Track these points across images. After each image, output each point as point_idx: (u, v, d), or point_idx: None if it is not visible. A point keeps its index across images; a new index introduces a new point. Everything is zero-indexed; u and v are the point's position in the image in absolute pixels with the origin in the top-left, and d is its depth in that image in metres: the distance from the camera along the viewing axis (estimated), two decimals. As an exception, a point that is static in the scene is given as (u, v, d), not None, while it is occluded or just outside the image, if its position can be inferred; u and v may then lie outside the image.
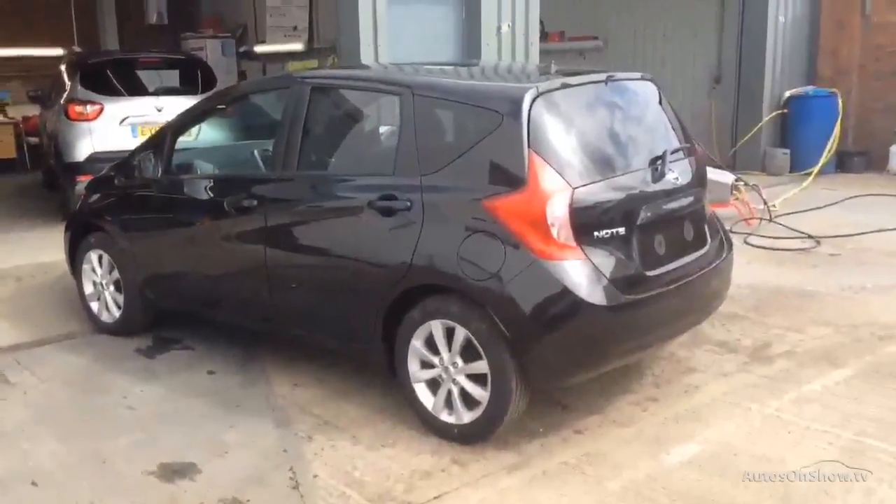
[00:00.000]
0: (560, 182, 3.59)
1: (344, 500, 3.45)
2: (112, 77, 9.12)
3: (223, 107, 5.27)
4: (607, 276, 3.65)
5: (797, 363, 4.79)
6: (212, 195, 4.79)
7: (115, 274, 5.41)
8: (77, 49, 14.12)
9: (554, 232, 3.57)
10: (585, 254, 3.63)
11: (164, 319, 5.48)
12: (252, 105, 5.32)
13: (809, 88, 11.65)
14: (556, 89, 3.87)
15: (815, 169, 10.81)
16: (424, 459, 3.78)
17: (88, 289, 5.64)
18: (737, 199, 8.39)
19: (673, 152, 4.05)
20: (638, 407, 4.27)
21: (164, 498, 3.51)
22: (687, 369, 4.75)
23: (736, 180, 8.42)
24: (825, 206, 9.12)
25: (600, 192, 3.72)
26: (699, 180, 4.36)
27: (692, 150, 4.47)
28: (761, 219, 8.25)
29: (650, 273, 3.83)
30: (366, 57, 8.13)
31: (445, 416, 3.91)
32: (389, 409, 4.23)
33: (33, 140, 12.77)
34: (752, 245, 7.55)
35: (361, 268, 4.07)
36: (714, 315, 5.47)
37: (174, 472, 3.73)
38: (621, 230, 3.73)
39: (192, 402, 4.50)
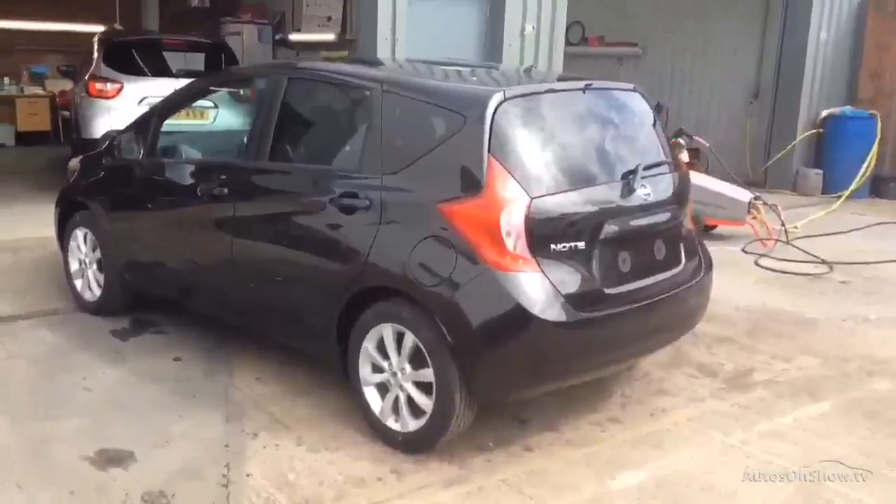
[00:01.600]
0: (518, 191, 3.46)
1: (269, 502, 3.38)
2: (136, 57, 9.19)
3: (209, 92, 5.23)
4: (561, 291, 3.50)
5: (775, 393, 4.59)
6: (188, 181, 4.75)
7: (98, 253, 5.41)
8: (118, 27, 14.32)
9: (508, 242, 3.44)
10: (540, 267, 3.49)
11: (146, 302, 5.45)
12: (237, 93, 5.27)
13: (847, 108, 11.28)
14: (526, 95, 3.73)
15: (847, 192, 10.47)
16: (364, 466, 3.68)
17: (74, 266, 5.65)
18: (755, 218, 8.15)
19: (647, 167, 3.89)
20: (597, 427, 4.12)
21: (92, 486, 3.46)
22: (658, 391, 4.58)
23: (754, 199, 8.16)
24: (850, 231, 8.82)
25: (561, 203, 3.58)
26: (678, 198, 4.19)
27: (676, 167, 4.30)
28: (777, 240, 7.98)
29: (610, 291, 3.68)
30: (382, 53, 8.07)
31: (392, 423, 3.81)
32: (343, 412, 4.14)
33: (67, 114, 12.96)
34: (762, 267, 7.31)
35: (320, 265, 3.99)
36: (701, 337, 5.37)
37: (110, 459, 3.68)
38: (581, 245, 3.59)
39: (150, 388, 4.46)
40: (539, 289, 3.47)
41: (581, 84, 3.98)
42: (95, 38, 10.04)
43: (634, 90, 4.35)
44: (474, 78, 4.26)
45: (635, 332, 3.89)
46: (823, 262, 7.38)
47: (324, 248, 3.97)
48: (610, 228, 3.68)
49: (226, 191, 4.41)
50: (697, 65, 12.83)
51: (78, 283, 5.63)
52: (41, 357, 4.87)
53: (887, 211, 10.03)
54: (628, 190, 3.77)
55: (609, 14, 14.19)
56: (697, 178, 8.33)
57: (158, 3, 14.87)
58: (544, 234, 3.51)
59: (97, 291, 5.49)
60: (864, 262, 7.41)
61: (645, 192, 3.84)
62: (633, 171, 3.81)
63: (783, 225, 8.12)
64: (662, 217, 4.01)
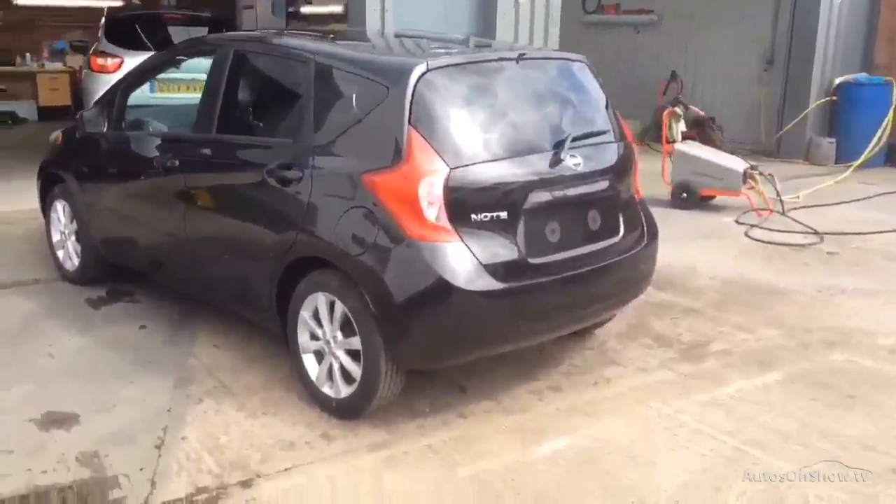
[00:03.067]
0: (437, 161, 3.49)
1: (196, 464, 3.48)
2: (138, 32, 9.32)
3: (168, 65, 5.32)
4: (482, 261, 3.53)
5: (726, 364, 4.58)
6: (147, 154, 4.85)
7: (75, 224, 5.56)
8: (137, 2, 14.52)
9: (426, 212, 3.48)
10: (460, 236, 3.52)
11: (124, 272, 5.57)
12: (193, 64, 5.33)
13: (862, 75, 11.01)
14: (452, 66, 3.75)
15: (857, 162, 10.25)
16: (296, 431, 3.78)
17: (56, 237, 5.81)
18: (751, 188, 8.04)
19: (578, 138, 3.88)
20: (536, 395, 4.16)
21: (31, 444, 3.60)
22: (609, 361, 4.59)
23: (750, 168, 8.05)
24: (853, 202, 8.65)
25: (482, 174, 3.59)
26: (617, 168, 4.17)
27: (619, 137, 4.28)
28: (772, 210, 7.87)
29: (535, 260, 3.69)
30: (371, 24, 8.07)
31: (326, 389, 3.90)
32: (288, 379, 4.22)
33: (83, 89, 13.22)
34: (752, 238, 7.22)
35: (260, 236, 4.07)
36: (667, 308, 5.36)
37: (54, 421, 3.82)
38: (503, 215, 3.60)
39: (109, 355, 4.60)
40: (458, 259, 3.50)
41: (514, 54, 3.97)
42: (104, 15, 10.23)
43: (581, 62, 4.33)
44: (406, 49, 4.28)
45: (566, 301, 3.91)
46: (815, 232, 7.28)
47: (262, 218, 4.05)
48: (535, 199, 3.69)
49: (177, 163, 4.51)
50: (713, 31, 12.57)
51: (60, 254, 5.80)
52: (13, 325, 5.02)
53: (898, 180, 9.82)
54: (556, 160, 3.77)
55: (627, -19, 14.01)
56: (691, 147, 8.28)
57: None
58: (464, 205, 3.53)
59: (76, 261, 5.65)
60: (856, 232, 7.29)
61: (575, 161, 3.83)
62: (562, 142, 3.80)
63: (778, 195, 7.99)
64: (597, 187, 4.00)
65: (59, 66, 14.04)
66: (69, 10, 14.06)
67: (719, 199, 8.38)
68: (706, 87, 12.73)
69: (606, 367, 4.52)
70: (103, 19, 9.60)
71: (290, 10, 13.67)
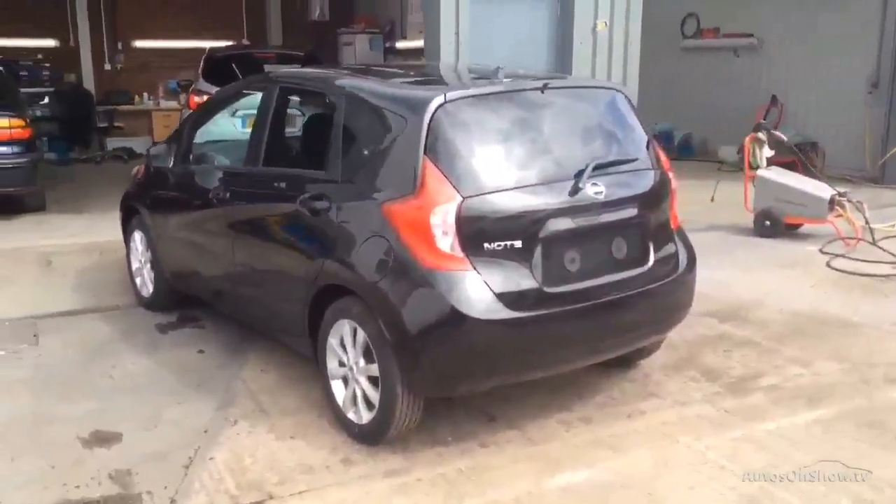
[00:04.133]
0: (450, 191, 3.55)
1: (217, 484, 3.62)
2: (234, 70, 9.81)
3: (229, 101, 5.58)
4: (494, 289, 3.55)
5: (773, 399, 4.40)
6: (205, 186, 5.11)
7: (149, 253, 5.90)
8: (246, 42, 15.27)
9: (439, 241, 3.53)
10: (474, 265, 3.56)
11: (196, 299, 5.85)
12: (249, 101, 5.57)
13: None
14: (472, 96, 3.81)
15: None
16: (319, 455, 3.87)
17: (135, 265, 6.17)
18: (839, 216, 7.69)
19: (601, 166, 3.85)
20: (563, 426, 4.12)
21: (71, 461, 3.83)
22: (648, 393, 4.49)
23: (838, 195, 7.69)
24: (955, 232, 8.12)
25: (497, 203, 3.62)
26: (648, 196, 4.11)
27: (655, 165, 4.22)
28: (861, 239, 7.49)
29: (553, 290, 3.68)
30: (446, 57, 8.22)
31: (351, 415, 3.98)
32: (322, 403, 4.32)
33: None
34: (833, 268, 6.90)
35: (293, 264, 4.23)
36: (724, 340, 5.19)
37: (100, 439, 4.06)
38: (517, 244, 3.61)
39: (165, 377, 4.85)
40: (470, 288, 3.53)
41: (539, 84, 3.99)
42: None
43: (616, 90, 4.31)
44: (433, 82, 4.36)
45: (588, 331, 3.87)
46: (903, 263, 6.89)
47: (296, 247, 4.21)
48: (552, 227, 3.68)
49: (227, 195, 4.73)
50: (815, 54, 12.12)
51: (137, 281, 6.15)
52: (88, 347, 5.36)
53: None
54: (575, 189, 3.75)
55: (725, 4, 13.69)
56: (774, 174, 8.01)
57: (281, 17, 15.69)
58: (478, 234, 3.57)
59: (151, 289, 5.99)
60: (951, 263, 6.85)
61: (597, 190, 3.80)
62: (583, 171, 3.78)
63: (867, 223, 7.59)
64: (622, 215, 3.95)
65: (173, 104, 14.89)
66: (180, 51, 14.89)
67: (806, 227, 8.04)
68: (808, 112, 12.26)
69: (644, 399, 4.42)
70: (203, 60, 10.15)
71: (387, 45, 14.05)
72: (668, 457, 3.81)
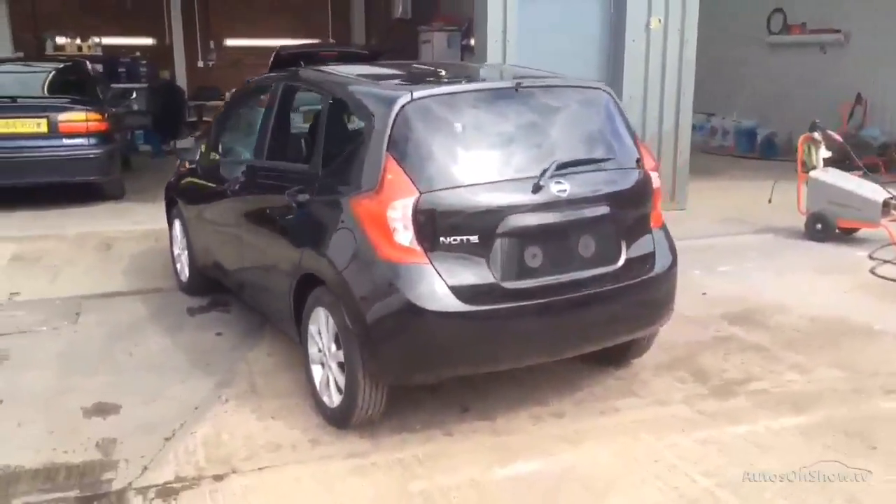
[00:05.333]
0: (408, 186, 3.67)
1: (189, 457, 3.86)
2: (301, 67, 10.14)
3: (250, 97, 5.85)
4: (449, 283, 3.66)
5: (756, 403, 4.33)
6: (222, 178, 5.40)
7: (185, 240, 6.26)
8: (332, 41, 15.73)
9: (396, 235, 3.67)
10: (430, 259, 3.67)
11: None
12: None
13: None
14: (439, 95, 3.92)
15: None
16: (291, 434, 4.06)
17: (176, 250, 6.56)
18: (894, 220, 7.38)
19: (566, 164, 3.88)
20: (533, 420, 4.17)
21: (68, 429, 4.14)
22: (629, 392, 4.50)
23: (892, 199, 7.38)
24: None
25: (455, 199, 3.71)
26: (623, 194, 4.12)
27: (635, 164, 4.23)
28: (915, 245, 7.17)
29: (511, 285, 3.76)
30: (493, 56, 8.30)
31: (325, 398, 4.16)
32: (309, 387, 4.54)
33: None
34: (876, 275, 6.64)
35: (283, 253, 4.44)
36: (730, 342, 5.12)
37: (100, 410, 4.37)
38: (474, 239, 3.69)
39: (179, 356, 5.16)
40: (424, 280, 3.65)
41: (512, 83, 4.06)
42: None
43: (599, 89, 4.33)
44: (412, 79, 4.48)
45: (550, 327, 3.91)
46: (955, 271, 6.56)
47: (285, 237, 4.42)
48: (511, 224, 3.75)
49: (237, 187, 5.00)
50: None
51: (177, 267, 6.53)
52: (120, 325, 5.74)
53: None
54: (537, 187, 3.81)
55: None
56: (828, 175, 7.77)
57: (365, 16, 16.07)
58: (435, 228, 3.67)
59: (187, 273, 6.35)
60: None
61: (560, 188, 3.84)
62: (547, 169, 3.84)
63: (922, 228, 7.26)
64: (590, 213, 3.96)
65: (260, 99, 15.49)
66: (269, 48, 15.42)
67: (864, 232, 7.75)
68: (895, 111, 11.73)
69: (623, 397, 4.43)
70: (272, 57, 10.53)
71: (464, 42, 14.17)
72: (625, 453, 3.83)
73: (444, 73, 4.76)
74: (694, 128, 15.55)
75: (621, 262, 4.05)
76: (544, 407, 4.31)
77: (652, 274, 4.16)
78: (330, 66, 5.11)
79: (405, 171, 3.70)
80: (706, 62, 15.45)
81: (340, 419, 4.05)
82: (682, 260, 6.77)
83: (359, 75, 4.45)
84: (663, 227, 4.38)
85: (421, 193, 3.67)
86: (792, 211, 8.31)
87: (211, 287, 6.21)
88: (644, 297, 4.17)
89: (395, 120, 3.76)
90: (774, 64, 13.96)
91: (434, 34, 14.25)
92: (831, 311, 5.77)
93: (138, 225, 8.58)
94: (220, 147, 5.68)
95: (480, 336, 3.77)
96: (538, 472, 3.68)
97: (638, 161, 4.25)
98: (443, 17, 15.00)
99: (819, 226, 7.73)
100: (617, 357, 4.69)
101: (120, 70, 14.69)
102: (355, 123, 4.02)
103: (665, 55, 8.65)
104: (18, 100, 9.22)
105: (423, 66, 4.91)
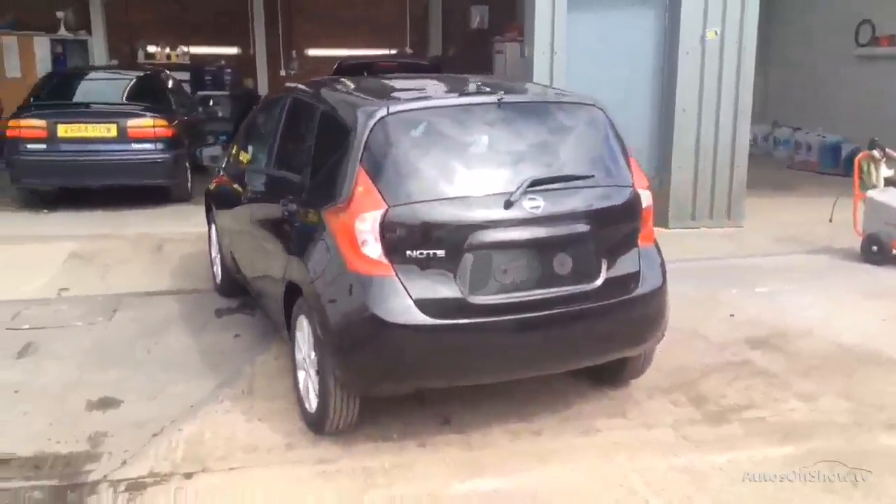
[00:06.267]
0: (377, 200, 3.71)
1: (169, 453, 4.00)
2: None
3: (270, 107, 6.00)
4: (414, 296, 3.68)
5: (748, 432, 4.18)
6: (241, 185, 5.57)
7: (218, 243, 6.49)
8: (409, 51, 15.96)
9: (364, 247, 3.72)
10: (396, 271, 3.70)
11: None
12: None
13: None
14: (416, 110, 3.95)
15: None
16: (271, 437, 4.16)
17: (213, 253, 6.79)
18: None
19: (537, 182, 3.83)
20: (510, 436, 4.15)
21: (68, 421, 4.36)
22: (618, 412, 4.41)
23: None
24: None
25: (423, 213, 3.72)
26: (606, 212, 4.04)
27: (623, 182, 4.15)
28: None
29: (478, 300, 3.75)
30: (539, 68, 8.26)
31: (306, 403, 4.24)
32: (304, 392, 4.64)
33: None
34: (920, 299, 6.29)
35: (276, 261, 4.55)
36: (741, 367, 4.96)
37: (103, 404, 4.58)
38: (440, 253, 3.70)
39: (194, 356, 5.34)
40: (389, 292, 3.69)
41: (494, 98, 4.06)
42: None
43: (589, 104, 4.27)
44: (393, 94, 4.52)
45: (522, 343, 3.88)
46: None
47: (278, 245, 4.54)
48: (480, 238, 3.73)
49: (249, 194, 5.17)
50: None
51: (215, 269, 6.77)
52: (150, 323, 5.97)
53: None
54: (509, 203, 3.78)
55: (905, 10, 12.60)
56: (885, 195, 7.41)
57: (442, 27, 16.23)
58: (402, 241, 3.70)
59: (220, 276, 6.58)
60: None
61: (534, 205, 3.81)
62: (521, 185, 3.81)
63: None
64: (565, 231, 3.91)
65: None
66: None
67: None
68: None
69: (610, 417, 4.35)
70: (334, 68, 10.81)
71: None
72: (592, 476, 3.77)
73: (439, 88, 4.78)
74: (777, 142, 15.14)
75: (600, 280, 3.98)
76: (525, 423, 4.28)
77: (635, 294, 4.07)
78: (327, 77, 5.18)
79: (375, 185, 3.75)
80: (792, 75, 15.03)
81: (316, 425, 4.13)
82: (720, 279, 6.64)
83: (352, 90, 4.53)
84: (654, 246, 4.29)
85: (389, 207, 3.71)
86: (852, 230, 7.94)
87: (242, 289, 6.42)
88: (627, 317, 4.09)
89: (369, 134, 3.82)
90: (862, 77, 13.35)
91: (507, 44, 14.32)
92: (858, 339, 5.49)
93: (196, 227, 8.84)
94: (240, 155, 5.87)
95: (446, 350, 3.78)
96: (496, 490, 3.66)
97: (627, 179, 4.17)
98: (516, 28, 15.01)
99: (875, 248, 7.37)
100: (612, 377, 4.61)
101: (206, 78, 15.28)
102: (335, 136, 4.09)
103: (721, 68, 8.40)
104: (92, 106, 9.73)
105: (427, 81, 4.94)
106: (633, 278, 4.10)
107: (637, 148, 8.51)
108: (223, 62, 15.73)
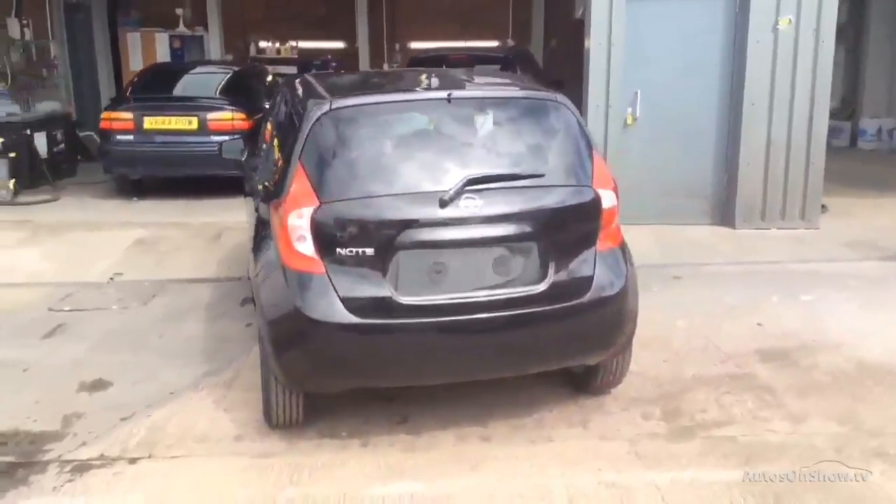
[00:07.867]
0: (310, 195, 3.71)
1: (127, 437, 4.13)
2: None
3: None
4: (341, 293, 3.66)
5: (707, 450, 3.92)
6: (250, 176, 5.70)
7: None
8: (511, 42, 15.83)
9: (295, 243, 3.72)
10: (325, 268, 3.69)
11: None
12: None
13: None
14: (360, 105, 3.91)
15: None
16: (226, 428, 4.23)
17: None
18: None
19: (474, 180, 3.70)
20: (459, 440, 4.06)
21: (55, 399, 4.59)
22: (579, 422, 4.23)
23: None
24: None
25: (354, 210, 3.68)
26: (552, 213, 3.86)
27: (579, 181, 3.96)
28: None
29: (408, 300, 3.68)
30: (596, 61, 7.99)
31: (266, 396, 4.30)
32: (280, 383, 4.71)
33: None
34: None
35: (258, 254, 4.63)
36: (740, 381, 4.68)
37: (94, 386, 4.81)
38: (370, 251, 3.65)
39: (198, 344, 5.51)
40: (316, 289, 3.67)
41: (444, 94, 3.96)
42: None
43: (553, 101, 4.09)
44: (351, 88, 4.47)
45: (457, 346, 3.78)
46: None
47: (249, 239, 4.62)
48: (411, 237, 3.66)
49: (249, 186, 5.29)
50: None
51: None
52: (177, 309, 6.22)
53: None
54: (443, 201, 3.68)
55: None
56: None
57: (544, 17, 15.97)
58: (333, 238, 3.68)
59: (253, 265, 6.77)
60: None
61: (473, 203, 3.69)
62: (458, 183, 3.70)
63: None
64: (507, 231, 3.76)
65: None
66: (450, 50, 15.77)
67: None
68: None
69: (569, 427, 4.18)
70: (407, 62, 10.87)
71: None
72: (515, 486, 3.64)
73: (406, 83, 4.71)
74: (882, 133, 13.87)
75: (546, 284, 3.81)
76: (479, 428, 4.17)
77: (586, 299, 3.87)
78: (309, 75, 5.19)
79: (310, 181, 3.75)
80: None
81: (266, 419, 4.17)
82: (768, 285, 6.27)
83: (313, 85, 4.53)
84: (616, 250, 4.05)
85: (322, 203, 3.70)
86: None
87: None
88: (578, 323, 3.89)
89: (311, 129, 3.83)
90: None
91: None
92: (885, 357, 5.00)
93: (256, 218, 9.20)
94: (254, 148, 6.00)
95: (374, 349, 3.73)
96: (412, 495, 3.59)
97: (585, 178, 3.96)
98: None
99: (947, 257, 6.70)
100: (585, 384, 4.43)
101: (311, 71, 15.73)
102: (292, 131, 4.11)
103: (796, 58, 7.83)
104: (176, 100, 10.21)
105: (411, 74, 4.89)
106: (585, 283, 3.89)
107: (702, 144, 8.14)
108: (328, 56, 16.15)
